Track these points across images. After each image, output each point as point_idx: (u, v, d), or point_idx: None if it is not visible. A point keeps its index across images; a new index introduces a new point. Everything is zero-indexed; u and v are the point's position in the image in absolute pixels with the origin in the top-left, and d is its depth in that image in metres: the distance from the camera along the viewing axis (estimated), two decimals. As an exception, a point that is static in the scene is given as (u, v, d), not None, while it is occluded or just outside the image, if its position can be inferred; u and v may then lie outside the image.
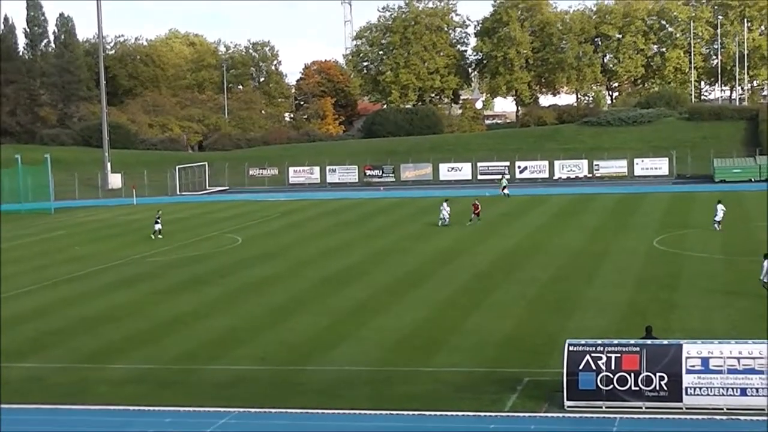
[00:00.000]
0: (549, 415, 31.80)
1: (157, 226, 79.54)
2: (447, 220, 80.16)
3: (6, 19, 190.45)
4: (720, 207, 70.76)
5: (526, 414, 31.88)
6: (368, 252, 67.93)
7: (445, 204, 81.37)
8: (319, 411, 32.88)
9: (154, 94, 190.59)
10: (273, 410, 33.26)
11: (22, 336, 45.41)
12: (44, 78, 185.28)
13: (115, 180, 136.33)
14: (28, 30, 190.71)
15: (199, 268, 63.32)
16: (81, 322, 48.06)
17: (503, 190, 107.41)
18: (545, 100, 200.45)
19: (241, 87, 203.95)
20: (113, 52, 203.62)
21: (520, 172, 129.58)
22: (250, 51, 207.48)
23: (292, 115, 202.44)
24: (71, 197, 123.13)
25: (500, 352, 39.43)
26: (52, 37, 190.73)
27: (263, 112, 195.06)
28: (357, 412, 32.74)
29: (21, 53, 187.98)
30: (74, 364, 39.95)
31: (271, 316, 48.04)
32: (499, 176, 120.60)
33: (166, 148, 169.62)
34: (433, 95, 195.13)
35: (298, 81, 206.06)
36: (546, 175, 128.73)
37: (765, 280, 46.87)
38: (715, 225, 70.06)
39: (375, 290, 53.46)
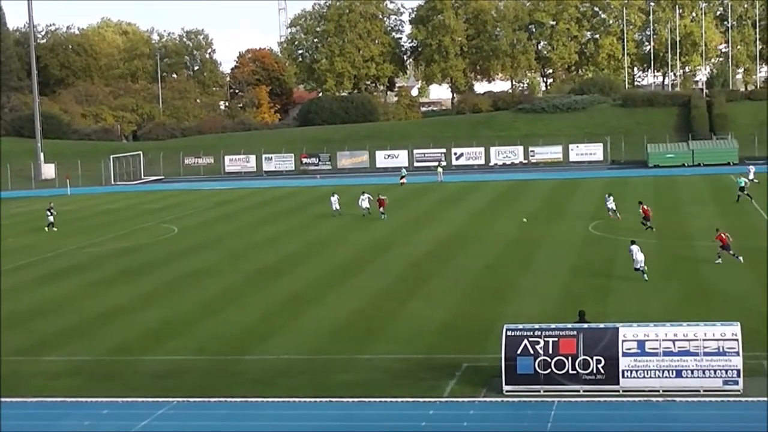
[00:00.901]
0: (488, 399, 31.88)
1: (50, 218, 78.98)
2: (339, 210, 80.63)
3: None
4: (610, 198, 72.36)
5: (465, 399, 31.94)
6: (303, 242, 67.60)
7: (335, 197, 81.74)
8: (258, 400, 32.74)
9: (87, 84, 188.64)
10: (211, 400, 33.05)
11: (-47, 330, 44.69)
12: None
13: (48, 170, 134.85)
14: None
15: (133, 260, 62.76)
16: (12, 316, 47.38)
17: (401, 180, 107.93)
18: (480, 87, 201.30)
19: (175, 76, 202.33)
20: (44, 41, 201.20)
21: (456, 158, 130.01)
22: (184, 39, 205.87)
23: (227, 104, 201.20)
24: (4, 188, 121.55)
25: (437, 339, 39.46)
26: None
27: (198, 101, 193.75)
28: (296, 400, 32.63)
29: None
30: (6, 357, 39.38)
31: (206, 307, 47.70)
32: (435, 163, 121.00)
33: (100, 138, 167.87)
34: (368, 83, 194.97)
35: (232, 69, 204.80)
36: (482, 161, 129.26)
37: (637, 267, 48.62)
38: (610, 214, 71.15)
39: (310, 281, 53.24)
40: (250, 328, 42.89)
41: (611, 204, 71.48)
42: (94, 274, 57.94)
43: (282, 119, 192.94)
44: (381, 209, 77.90)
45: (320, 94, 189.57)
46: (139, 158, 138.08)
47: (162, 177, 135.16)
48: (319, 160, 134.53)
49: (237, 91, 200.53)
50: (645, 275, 48.47)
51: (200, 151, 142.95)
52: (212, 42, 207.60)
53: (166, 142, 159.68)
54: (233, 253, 64.15)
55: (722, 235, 52.33)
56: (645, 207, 65.74)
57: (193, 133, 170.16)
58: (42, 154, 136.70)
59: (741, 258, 51.42)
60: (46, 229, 78.19)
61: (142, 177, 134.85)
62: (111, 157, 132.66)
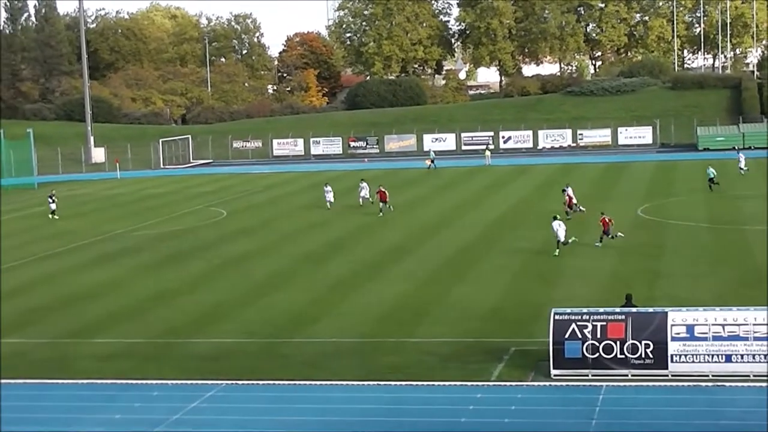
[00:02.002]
0: (535, 383, 31.86)
1: (52, 206, 79.54)
2: (332, 202, 76.11)
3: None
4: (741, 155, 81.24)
5: (513, 383, 31.94)
6: (351, 226, 67.73)
7: (328, 187, 76.96)
8: (306, 382, 32.88)
9: (136, 68, 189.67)
10: (260, 382, 33.25)
11: (3, 312, 45.20)
12: (25, 53, 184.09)
13: (98, 154, 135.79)
14: (8, 4, 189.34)
15: (182, 243, 63.18)
16: (64, 299, 47.91)
17: (431, 162, 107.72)
18: (528, 69, 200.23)
19: (223, 60, 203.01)
20: (94, 26, 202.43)
21: (504, 142, 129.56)
22: (232, 23, 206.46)
23: (275, 88, 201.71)
24: (54, 172, 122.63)
25: (485, 323, 39.43)
26: (32, 11, 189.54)
27: (246, 84, 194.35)
28: (344, 383, 32.75)
29: (1, 28, 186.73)
30: (58, 339, 39.85)
31: (254, 290, 47.95)
32: (483, 146, 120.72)
33: (149, 121, 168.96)
34: (416, 66, 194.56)
35: (280, 53, 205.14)
36: (530, 145, 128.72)
37: (560, 240, 52.29)
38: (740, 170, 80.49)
39: (358, 265, 53.34)
40: (299, 311, 43.06)
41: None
42: (144, 257, 58.37)
43: (330, 103, 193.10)
44: (382, 203, 72.16)
45: (368, 78, 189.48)
46: (187, 142, 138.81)
47: (210, 161, 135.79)
48: (367, 144, 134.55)
49: (285, 74, 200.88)
50: (571, 240, 53.02)
51: (248, 135, 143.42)
52: (260, 26, 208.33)
53: (214, 126, 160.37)
54: (281, 237, 64.39)
55: (605, 219, 54.41)
56: (569, 194, 66.76)
57: (241, 116, 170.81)
58: (92, 138, 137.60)
59: (621, 234, 54.28)
60: (50, 216, 78.84)
61: (191, 161, 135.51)
62: (160, 140, 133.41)
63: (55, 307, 46.12)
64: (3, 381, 34.18)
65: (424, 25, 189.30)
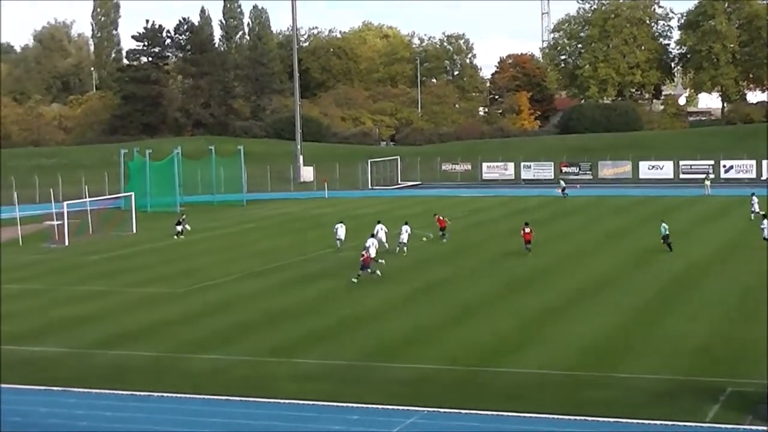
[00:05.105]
0: (754, 427, 30.57)
1: (179, 228, 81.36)
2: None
3: (203, 10, 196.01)
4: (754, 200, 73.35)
5: (730, 426, 30.70)
6: (557, 253, 67.00)
7: (380, 225, 70.11)
8: (509, 414, 32.40)
9: (347, 88, 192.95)
10: (462, 411, 32.92)
11: (207, 328, 46.27)
12: (238, 70, 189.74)
13: (307, 173, 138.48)
14: (223, 22, 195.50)
15: (385, 264, 63.46)
16: (264, 317, 48.71)
17: (563, 191, 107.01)
18: (753, 96, 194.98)
19: (434, 80, 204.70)
20: (307, 44, 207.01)
21: (725, 171, 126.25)
22: (445, 44, 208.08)
23: (485, 110, 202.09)
24: (263, 189, 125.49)
25: (697, 359, 38.19)
26: (246, 30, 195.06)
27: (456, 106, 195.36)
28: (547, 416, 32.15)
29: (216, 45, 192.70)
30: (258, 357, 40.43)
31: (457, 315, 47.74)
32: (703, 175, 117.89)
33: (359, 141, 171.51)
34: (633, 90, 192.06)
35: (492, 75, 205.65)
36: (753, 175, 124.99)
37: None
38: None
39: (563, 293, 52.57)
40: (501, 339, 42.63)
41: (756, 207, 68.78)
42: (346, 278, 58.83)
43: (542, 126, 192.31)
44: (441, 231, 73.09)
45: (582, 101, 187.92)
46: (396, 163, 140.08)
47: (419, 182, 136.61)
48: (580, 170, 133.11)
49: (497, 96, 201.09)
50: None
51: (457, 157, 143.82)
52: (473, 47, 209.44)
53: (423, 148, 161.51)
54: (487, 261, 64.14)
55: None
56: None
57: (450, 138, 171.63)
58: (301, 157, 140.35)
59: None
60: (176, 237, 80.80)
61: (399, 182, 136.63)
62: (368, 161, 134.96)
63: (256, 324, 46.91)
64: (207, 396, 34.90)
65: (643, 48, 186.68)
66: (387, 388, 35.71)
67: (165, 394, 35.18)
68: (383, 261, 61.16)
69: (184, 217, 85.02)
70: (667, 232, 65.89)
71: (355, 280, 56.91)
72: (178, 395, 35.11)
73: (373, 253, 59.91)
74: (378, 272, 58.59)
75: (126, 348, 42.50)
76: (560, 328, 44.31)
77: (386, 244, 67.76)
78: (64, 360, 40.88)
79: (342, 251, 69.34)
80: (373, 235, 64.52)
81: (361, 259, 58.10)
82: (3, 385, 36.49)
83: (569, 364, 38.05)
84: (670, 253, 64.22)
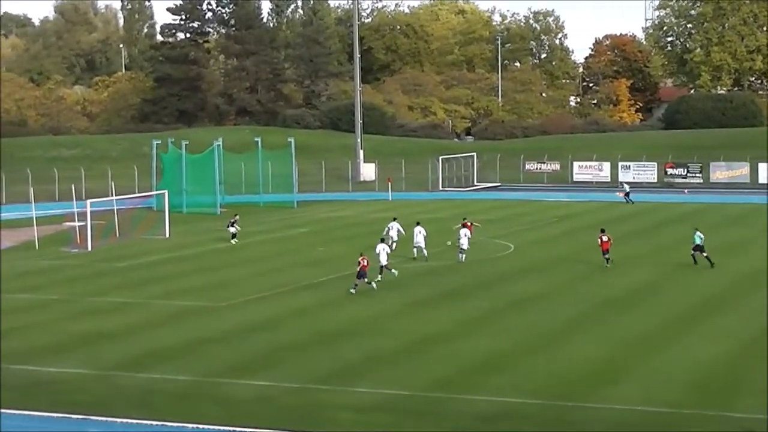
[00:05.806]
0: None
1: (232, 230, 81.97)
2: (395, 240, 72.59)
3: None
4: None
5: None
6: (660, 269, 66.72)
7: (394, 223, 74.07)
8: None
9: (415, 71, 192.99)
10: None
11: (251, 349, 46.55)
12: (289, 50, 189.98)
13: (367, 171, 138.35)
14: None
15: (459, 279, 63.57)
16: (319, 337, 48.89)
17: (626, 195, 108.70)
18: None
19: (518, 64, 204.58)
20: (369, 20, 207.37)
21: None
22: (530, 22, 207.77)
23: (577, 100, 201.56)
24: (317, 189, 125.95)
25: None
26: (299, 2, 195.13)
27: (543, 95, 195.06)
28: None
29: (264, 20, 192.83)
30: (310, 384, 40.63)
31: (541, 339, 47.72)
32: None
33: (428, 135, 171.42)
34: (752, 79, 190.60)
35: (586, 59, 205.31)
36: None
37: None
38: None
39: (667, 316, 52.37)
40: (593, 369, 42.56)
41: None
42: (413, 293, 58.98)
43: (644, 120, 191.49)
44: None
45: (692, 91, 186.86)
46: (472, 160, 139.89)
47: (498, 183, 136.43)
48: (688, 172, 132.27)
49: (591, 84, 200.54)
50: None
51: (544, 155, 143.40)
52: (564, 25, 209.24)
53: (504, 143, 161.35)
54: (577, 277, 64.07)
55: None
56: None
57: (535, 132, 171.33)
58: (361, 152, 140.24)
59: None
60: (232, 241, 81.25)
61: (475, 183, 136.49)
62: (439, 158, 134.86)
63: (308, 346, 47.11)
64: (250, 429, 35.10)
65: (765, 29, 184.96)
66: (459, 423, 35.81)
67: (201, 426, 35.46)
68: (396, 271, 62.44)
69: (237, 217, 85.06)
70: (701, 242, 66.13)
71: (353, 291, 58.56)
72: (217, 427, 35.39)
73: (384, 260, 61.48)
74: (374, 284, 59.67)
75: (156, 370, 42.85)
76: (662, 358, 44.06)
77: (394, 245, 70.34)
78: (85, 383, 41.28)
79: (420, 259, 70.59)
80: (383, 240, 66.02)
81: (358, 267, 59.07)
82: (14, 411, 36.97)
83: (671, 400, 37.91)
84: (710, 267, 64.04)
